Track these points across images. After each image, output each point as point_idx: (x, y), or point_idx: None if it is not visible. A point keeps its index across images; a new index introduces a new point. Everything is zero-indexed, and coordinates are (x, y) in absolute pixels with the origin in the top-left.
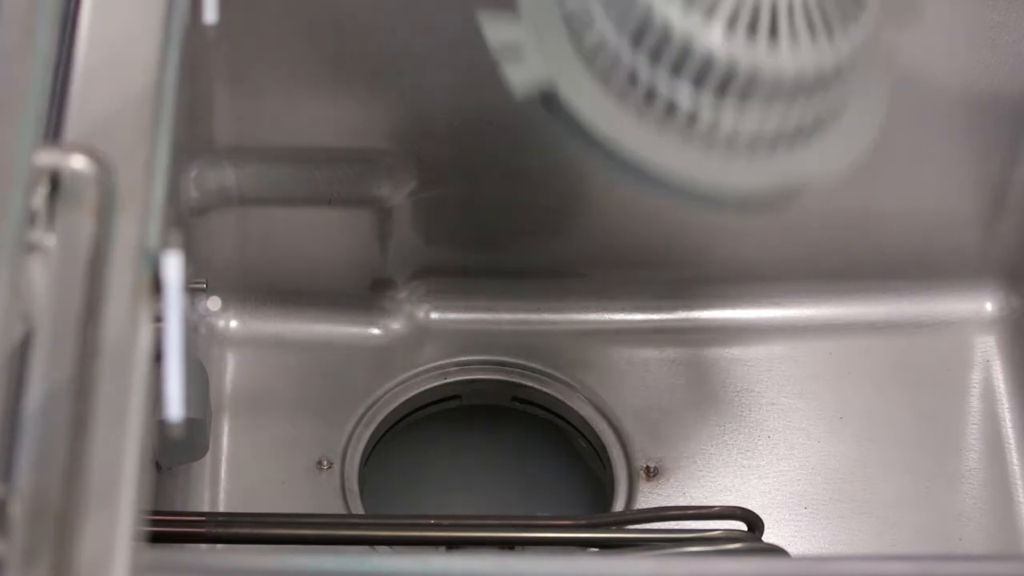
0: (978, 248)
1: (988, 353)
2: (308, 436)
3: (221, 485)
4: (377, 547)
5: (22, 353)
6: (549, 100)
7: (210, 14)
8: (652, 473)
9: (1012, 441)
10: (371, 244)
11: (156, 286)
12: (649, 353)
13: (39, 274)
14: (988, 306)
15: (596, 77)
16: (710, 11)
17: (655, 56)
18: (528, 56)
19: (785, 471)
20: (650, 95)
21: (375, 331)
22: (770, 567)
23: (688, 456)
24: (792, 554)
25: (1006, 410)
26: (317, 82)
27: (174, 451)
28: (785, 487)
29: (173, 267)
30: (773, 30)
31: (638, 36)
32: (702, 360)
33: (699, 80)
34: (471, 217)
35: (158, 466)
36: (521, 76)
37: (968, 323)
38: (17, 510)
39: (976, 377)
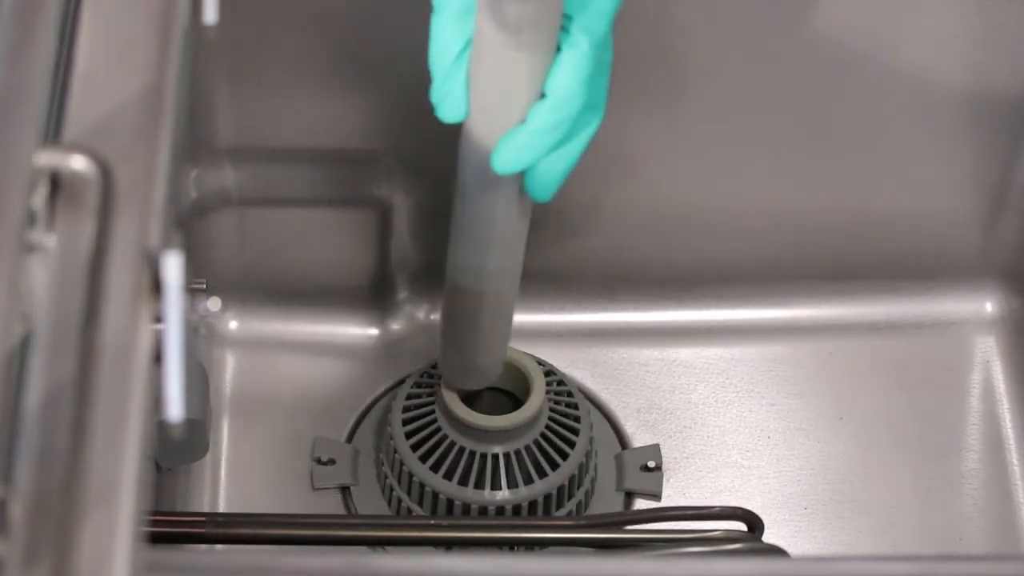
0: (978, 248)
1: (988, 353)
2: (308, 436)
3: (221, 485)
4: (376, 547)
5: (22, 353)
6: None
7: (210, 14)
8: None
9: (1012, 441)
10: (371, 244)
11: (156, 286)
12: (649, 353)
13: (39, 274)
14: (988, 306)
15: None
16: None
17: None
18: None
19: (785, 471)
20: None
21: (375, 331)
22: (770, 567)
23: (688, 456)
24: (792, 554)
25: (1006, 410)
26: (317, 82)
27: (174, 451)
28: (785, 487)
29: (173, 267)
30: None
31: None
32: (702, 360)
33: None
34: None
35: (158, 466)
36: None
37: (968, 323)
38: (17, 510)
39: (976, 377)
